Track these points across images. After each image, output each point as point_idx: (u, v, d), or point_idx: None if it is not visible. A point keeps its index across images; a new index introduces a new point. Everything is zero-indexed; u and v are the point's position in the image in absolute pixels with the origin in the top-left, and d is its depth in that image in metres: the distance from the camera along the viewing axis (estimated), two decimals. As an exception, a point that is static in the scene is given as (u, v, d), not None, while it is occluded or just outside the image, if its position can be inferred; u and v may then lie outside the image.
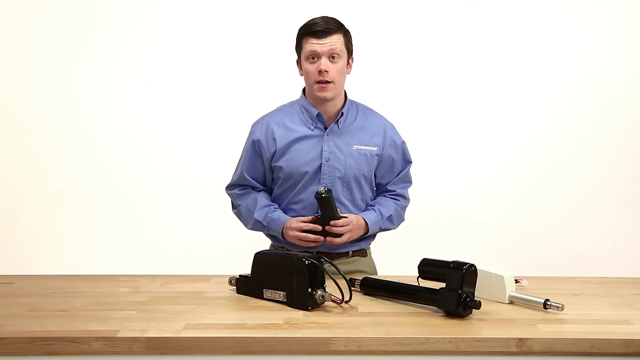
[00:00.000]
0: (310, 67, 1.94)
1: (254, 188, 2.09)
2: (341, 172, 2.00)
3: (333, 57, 1.92)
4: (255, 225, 2.05)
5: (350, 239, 1.98)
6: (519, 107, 3.54)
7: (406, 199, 2.15)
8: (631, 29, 3.48)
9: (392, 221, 2.09)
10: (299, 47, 1.98)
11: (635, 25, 3.48)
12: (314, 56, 1.92)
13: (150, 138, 3.53)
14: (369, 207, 2.08)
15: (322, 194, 1.87)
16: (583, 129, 3.52)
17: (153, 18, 3.50)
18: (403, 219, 2.16)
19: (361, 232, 2.01)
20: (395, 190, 2.11)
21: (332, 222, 1.92)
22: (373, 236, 2.14)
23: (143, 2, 3.49)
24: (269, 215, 2.02)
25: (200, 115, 3.52)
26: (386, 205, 2.08)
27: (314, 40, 1.91)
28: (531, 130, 3.54)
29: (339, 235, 1.94)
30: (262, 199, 2.06)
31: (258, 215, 2.03)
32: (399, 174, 2.11)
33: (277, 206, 2.05)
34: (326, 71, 1.91)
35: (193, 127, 3.53)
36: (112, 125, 3.52)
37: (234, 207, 2.14)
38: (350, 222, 1.95)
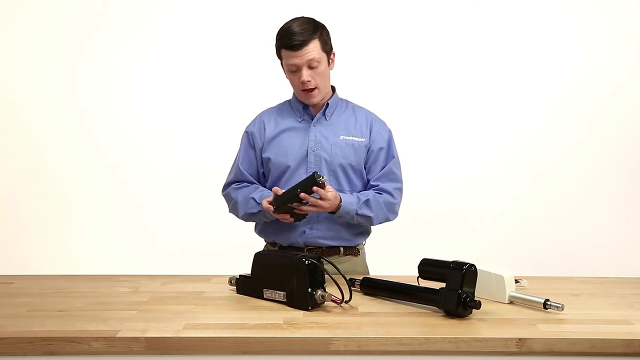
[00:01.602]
0: (292, 77, 2.00)
1: (250, 183, 2.11)
2: (327, 160, 2.03)
3: (313, 66, 1.95)
4: (248, 204, 2.03)
5: (318, 210, 1.93)
6: (519, 107, 3.54)
7: (391, 194, 2.06)
8: (630, 29, 3.48)
9: (370, 207, 2.00)
10: (279, 56, 2.03)
11: (634, 26, 3.48)
12: (294, 68, 1.97)
13: (150, 138, 3.53)
14: (350, 191, 2.05)
15: (320, 179, 1.83)
16: (582, 128, 3.52)
17: (153, 19, 3.51)
18: (387, 216, 2.07)
19: (332, 208, 1.94)
20: (377, 185, 2.07)
21: (314, 196, 1.87)
22: (367, 233, 2.14)
23: (144, 3, 3.50)
24: (264, 194, 2.01)
25: (201, 116, 3.53)
26: (365, 193, 2.05)
27: (292, 53, 1.94)
28: (531, 129, 3.54)
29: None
30: (261, 187, 2.09)
31: (255, 194, 2.03)
32: (382, 168, 2.08)
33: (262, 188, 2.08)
34: (308, 81, 1.96)
35: (193, 127, 3.54)
36: (113, 125, 3.53)
37: (229, 202, 2.13)
38: (327, 200, 1.89)
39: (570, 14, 3.49)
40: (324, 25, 2.01)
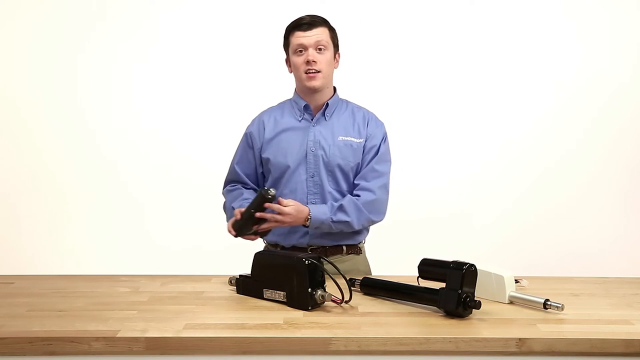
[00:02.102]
0: (298, 59, 2.00)
1: (244, 185, 2.13)
2: (325, 161, 2.03)
3: (320, 49, 1.98)
4: (230, 213, 2.03)
5: (280, 226, 1.93)
6: (519, 108, 3.54)
7: (372, 192, 2.02)
8: (630, 29, 3.48)
9: (345, 211, 1.97)
10: (286, 44, 2.05)
11: (634, 26, 3.48)
12: (302, 49, 1.99)
13: (150, 137, 3.53)
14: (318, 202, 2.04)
15: (268, 194, 1.81)
16: (582, 128, 3.52)
17: (154, 18, 3.51)
18: (369, 217, 2.03)
19: (299, 222, 1.94)
20: (359, 183, 2.05)
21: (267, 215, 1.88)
22: (367, 230, 2.14)
23: (144, 3, 3.50)
24: (243, 205, 1.98)
25: (201, 115, 3.53)
26: (341, 199, 2.03)
27: (300, 33, 1.98)
28: (531, 130, 3.54)
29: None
30: (247, 194, 2.09)
31: (235, 204, 2.03)
32: (368, 164, 2.06)
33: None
34: (314, 61, 1.97)
35: (194, 126, 3.54)
36: (113, 124, 3.53)
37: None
38: (287, 214, 1.89)
39: (570, 14, 3.49)
40: (333, 26, 2.06)
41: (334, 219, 1.98)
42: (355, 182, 2.07)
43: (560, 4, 3.49)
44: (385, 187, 2.07)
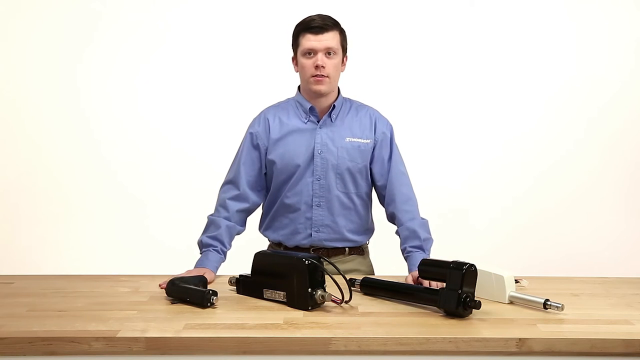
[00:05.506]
0: (306, 62, 1.97)
1: (241, 193, 2.05)
2: (334, 163, 2.02)
3: (329, 54, 1.96)
4: (201, 241, 2.02)
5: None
6: (518, 107, 3.54)
7: (415, 199, 2.10)
8: (630, 29, 3.48)
9: (429, 239, 2.05)
10: (295, 44, 2.02)
11: (634, 26, 3.48)
12: (311, 52, 1.96)
13: (151, 136, 3.53)
14: (411, 252, 1.99)
15: (209, 304, 1.62)
16: (582, 128, 3.53)
17: (155, 17, 3.51)
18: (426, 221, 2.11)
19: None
20: (396, 192, 2.06)
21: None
22: (371, 232, 2.16)
23: (146, 2, 3.50)
24: (210, 250, 1.97)
25: (203, 114, 3.53)
26: (418, 235, 2.02)
27: (311, 37, 1.95)
28: (531, 130, 3.54)
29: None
30: (223, 231, 2.01)
31: (203, 237, 2.01)
32: (389, 169, 2.08)
33: (221, 248, 1.99)
34: (323, 66, 1.95)
35: (195, 125, 3.54)
36: (113, 123, 3.53)
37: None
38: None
39: (570, 14, 3.50)
40: (344, 29, 2.04)
41: (429, 248, 2.03)
42: (390, 189, 2.06)
43: (561, 5, 3.49)
44: None
